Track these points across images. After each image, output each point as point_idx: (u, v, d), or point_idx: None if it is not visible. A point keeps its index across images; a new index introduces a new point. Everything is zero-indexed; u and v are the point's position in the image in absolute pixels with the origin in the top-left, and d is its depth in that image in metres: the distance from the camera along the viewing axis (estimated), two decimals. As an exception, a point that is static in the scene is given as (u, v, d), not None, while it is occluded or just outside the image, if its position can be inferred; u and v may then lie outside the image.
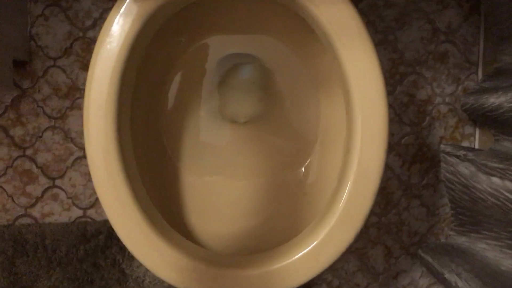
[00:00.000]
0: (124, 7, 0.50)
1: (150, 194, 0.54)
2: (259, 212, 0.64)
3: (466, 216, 0.66)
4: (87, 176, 0.78)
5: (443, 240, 0.77)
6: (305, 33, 0.57)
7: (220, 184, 0.66)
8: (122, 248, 0.77)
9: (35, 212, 0.78)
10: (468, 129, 0.77)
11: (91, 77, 0.50)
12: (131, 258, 0.77)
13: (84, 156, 0.77)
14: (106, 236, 0.77)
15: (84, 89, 0.76)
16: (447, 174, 0.66)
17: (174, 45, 0.63)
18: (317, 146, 0.65)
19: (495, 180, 0.54)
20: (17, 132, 0.77)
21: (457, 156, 0.63)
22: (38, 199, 0.78)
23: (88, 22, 0.75)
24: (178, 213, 0.62)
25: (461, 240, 0.68)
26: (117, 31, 0.50)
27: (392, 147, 0.77)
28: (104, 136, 0.50)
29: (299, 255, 0.52)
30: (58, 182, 0.78)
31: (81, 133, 0.77)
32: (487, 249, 0.62)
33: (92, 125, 0.50)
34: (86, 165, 0.77)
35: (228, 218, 0.63)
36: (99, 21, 0.75)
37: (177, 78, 0.65)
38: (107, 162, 0.50)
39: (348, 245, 0.53)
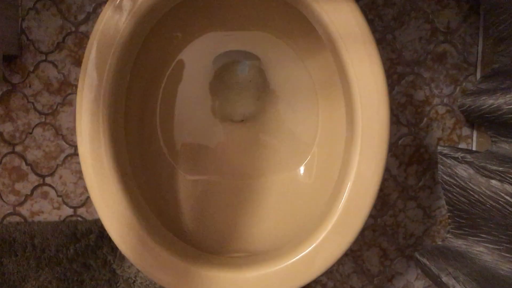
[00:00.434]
0: (119, 1, 0.49)
1: (144, 194, 0.53)
2: (255, 212, 0.63)
3: (464, 219, 0.65)
4: (78, 174, 0.76)
5: (439, 242, 0.76)
6: (305, 31, 0.56)
7: (216, 184, 0.64)
8: (113, 248, 0.75)
9: (24, 210, 0.76)
10: (466, 131, 0.76)
11: (85, 73, 0.49)
12: (122, 258, 0.76)
13: (75, 154, 0.76)
14: (97, 235, 0.75)
15: (76, 85, 0.74)
16: (445, 176, 0.65)
17: (170, 41, 0.61)
18: (315, 147, 0.64)
19: (495, 183, 0.53)
20: (7, 128, 0.75)
21: (455, 158, 0.62)
22: (27, 197, 0.76)
23: (81, 17, 0.74)
24: (173, 213, 0.60)
25: (459, 243, 0.67)
26: (112, 26, 0.48)
27: (389, 148, 0.76)
28: (97, 134, 0.48)
29: (294, 259, 0.51)
30: (48, 179, 0.76)
31: (72, 130, 0.75)
32: (485, 253, 0.61)
33: (85, 122, 0.49)
34: (77, 163, 0.76)
35: (223, 219, 0.62)
36: (92, 15, 0.74)
37: (173, 75, 0.63)
38: (99, 160, 0.49)
39: (344, 251, 0.52)
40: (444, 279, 0.61)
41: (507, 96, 0.56)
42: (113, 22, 0.48)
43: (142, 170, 0.58)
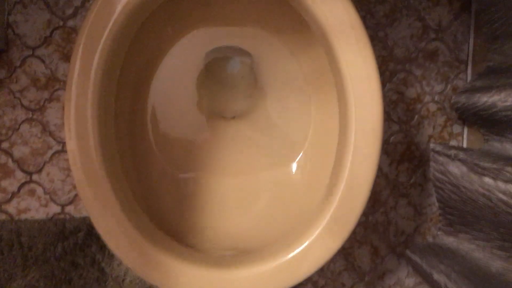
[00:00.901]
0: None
1: (134, 191, 0.52)
2: (246, 210, 0.62)
3: (455, 216, 0.65)
4: (66, 171, 0.75)
5: (430, 240, 0.76)
6: (298, 27, 0.55)
7: (206, 181, 0.63)
8: (102, 247, 0.74)
9: (11, 208, 0.75)
10: (457, 128, 0.77)
11: (73, 67, 0.48)
12: (111, 256, 0.75)
13: (63, 150, 0.74)
14: (85, 233, 0.74)
15: (64, 80, 0.73)
16: (437, 174, 0.66)
17: (160, 36, 0.61)
18: (307, 143, 0.63)
19: (488, 180, 0.53)
20: (-8, 124, 0.73)
21: (448, 156, 0.62)
22: (14, 195, 0.75)
23: (69, 11, 0.72)
24: (163, 211, 0.60)
25: (449, 240, 0.67)
26: (102, 20, 0.47)
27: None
28: (86, 130, 0.47)
29: (286, 258, 0.51)
30: (35, 177, 0.75)
31: (60, 127, 0.74)
32: (476, 250, 0.61)
33: (74, 118, 0.47)
34: (65, 160, 0.75)
35: (215, 216, 0.61)
36: (80, 9, 0.72)
37: (163, 71, 0.62)
38: (88, 157, 0.48)
39: (336, 250, 0.52)
40: (436, 276, 0.61)
41: (502, 93, 0.57)
42: (104, 16, 0.47)
43: (133, 167, 0.57)
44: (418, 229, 0.78)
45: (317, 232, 0.51)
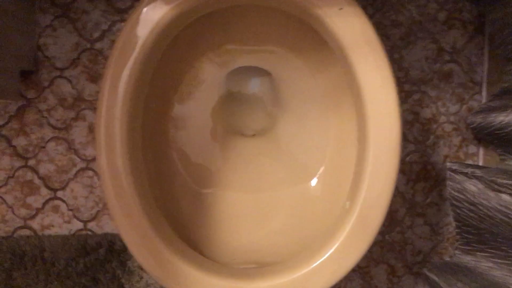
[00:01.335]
0: (140, 17, 0.51)
1: (160, 205, 0.53)
2: (265, 225, 0.64)
3: (472, 234, 0.65)
4: (89, 188, 0.77)
5: (447, 259, 0.76)
6: (317, 46, 0.57)
7: (227, 196, 0.65)
8: (123, 262, 0.76)
9: (35, 224, 0.77)
10: (472, 149, 0.78)
11: (105, 85, 0.50)
12: (131, 272, 0.76)
13: (87, 168, 0.77)
14: (107, 249, 0.76)
15: (90, 100, 0.76)
16: (453, 192, 0.66)
17: (184, 57, 0.63)
18: (326, 160, 0.65)
19: (505, 197, 0.53)
20: (20, 142, 0.76)
21: (465, 174, 0.63)
22: (38, 211, 0.77)
23: (96, 34, 0.76)
24: (186, 225, 0.61)
25: (467, 259, 0.67)
26: (133, 39, 0.50)
27: (397, 165, 0.77)
28: (115, 146, 0.49)
29: (304, 271, 0.51)
30: (59, 193, 0.77)
31: (85, 145, 0.76)
32: (494, 268, 0.61)
33: (103, 134, 0.50)
34: (89, 177, 0.77)
35: (235, 231, 0.63)
36: (107, 33, 0.76)
37: (186, 90, 0.65)
38: (117, 172, 0.50)
39: (352, 266, 0.53)
40: (454, 294, 0.61)
41: (518, 112, 0.58)
42: (134, 36, 0.50)
43: (158, 181, 0.59)
44: (435, 249, 0.78)
45: (335, 246, 0.52)
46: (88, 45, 0.76)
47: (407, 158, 0.77)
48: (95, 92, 0.76)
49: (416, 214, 0.78)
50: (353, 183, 0.55)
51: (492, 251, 0.62)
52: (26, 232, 0.77)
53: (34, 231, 0.77)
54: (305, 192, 0.65)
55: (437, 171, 0.78)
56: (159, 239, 0.50)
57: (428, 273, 0.69)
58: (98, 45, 0.76)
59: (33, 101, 0.76)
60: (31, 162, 0.76)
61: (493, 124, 0.62)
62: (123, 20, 0.76)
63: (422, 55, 0.77)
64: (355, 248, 0.53)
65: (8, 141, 0.76)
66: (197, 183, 0.65)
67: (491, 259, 0.63)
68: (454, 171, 0.66)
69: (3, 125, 0.76)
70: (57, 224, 0.77)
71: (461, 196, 0.64)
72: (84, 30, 0.76)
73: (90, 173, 0.77)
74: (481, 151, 0.77)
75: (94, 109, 0.76)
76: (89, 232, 0.77)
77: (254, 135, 0.67)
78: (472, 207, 0.61)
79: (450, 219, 0.77)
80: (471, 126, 0.72)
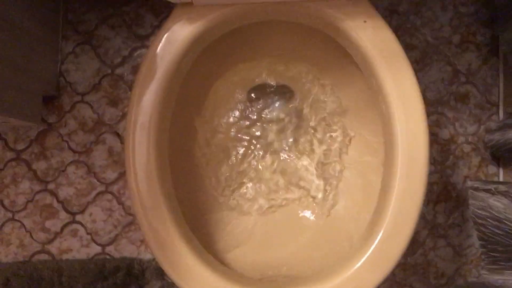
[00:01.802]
0: (165, 36, 0.52)
1: (189, 221, 0.53)
2: (293, 241, 0.63)
3: (499, 252, 0.64)
4: (108, 211, 0.77)
5: (473, 279, 0.75)
6: (341, 63, 0.58)
7: (252, 214, 0.65)
8: (141, 287, 0.75)
9: (53, 248, 0.76)
10: (492, 169, 0.77)
11: (134, 102, 0.51)
12: (149, 298, 0.75)
13: (106, 191, 0.77)
14: (125, 273, 0.75)
15: (110, 124, 0.77)
16: (477, 211, 0.66)
17: (208, 73, 0.64)
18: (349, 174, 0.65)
19: (532, 209, 0.53)
20: (40, 166, 0.77)
21: (487, 191, 0.63)
22: (57, 235, 0.76)
23: (117, 60, 0.77)
24: (214, 240, 0.61)
25: (494, 278, 0.66)
26: (159, 58, 0.51)
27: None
28: (147, 161, 0.50)
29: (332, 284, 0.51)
30: (78, 217, 0.77)
31: (104, 168, 0.77)
32: (523, 286, 0.60)
33: (137, 154, 0.50)
34: (108, 200, 0.77)
35: (263, 247, 0.62)
36: (128, 59, 0.77)
37: (210, 103, 0.66)
38: (150, 189, 0.50)
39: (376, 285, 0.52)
40: (483, 314, 0.59)
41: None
42: (162, 52, 0.51)
43: (187, 198, 0.59)
44: (459, 271, 0.77)
45: (359, 264, 0.51)
46: (109, 71, 0.77)
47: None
48: (116, 116, 0.77)
49: (438, 236, 0.77)
50: (380, 200, 0.54)
51: (520, 268, 0.61)
52: (44, 256, 0.77)
53: (52, 256, 0.77)
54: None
55: (457, 191, 0.77)
56: (191, 253, 0.49)
57: (454, 294, 0.68)
58: (118, 71, 0.78)
59: (54, 125, 0.77)
60: (51, 186, 0.77)
61: (511, 140, 0.62)
62: (143, 46, 0.78)
63: (438, 77, 0.78)
64: (379, 267, 0.52)
65: (28, 165, 0.76)
66: (224, 198, 0.65)
67: (519, 276, 0.61)
68: (476, 189, 0.66)
69: (24, 150, 0.76)
70: (75, 248, 0.77)
71: (485, 213, 0.63)
72: (106, 56, 0.78)
73: (109, 196, 0.77)
74: (501, 172, 0.77)
75: (114, 133, 0.77)
76: (107, 256, 0.77)
77: (281, 150, 0.68)
78: (497, 223, 0.61)
79: (473, 240, 0.76)
80: (489, 144, 0.72)
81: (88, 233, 0.77)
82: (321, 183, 0.66)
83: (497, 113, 0.78)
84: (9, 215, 0.76)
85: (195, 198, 0.63)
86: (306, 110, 0.67)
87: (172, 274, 0.49)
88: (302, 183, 0.67)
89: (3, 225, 0.76)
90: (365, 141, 0.63)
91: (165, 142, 0.53)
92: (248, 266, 0.58)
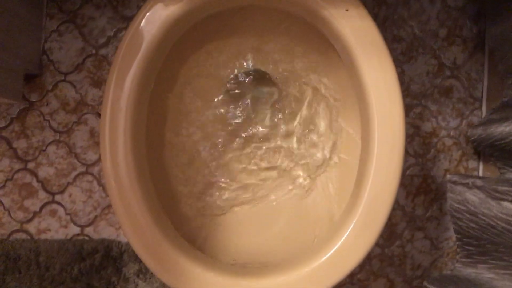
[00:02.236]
0: (146, 15, 0.51)
1: (163, 206, 0.53)
2: (268, 228, 0.63)
3: (473, 246, 0.65)
4: (88, 192, 0.76)
5: (448, 272, 0.76)
6: (322, 48, 0.58)
7: (227, 199, 0.65)
8: (118, 269, 0.75)
9: (31, 227, 0.76)
10: (472, 163, 0.78)
11: (110, 83, 0.50)
12: (126, 280, 0.75)
13: (87, 172, 0.76)
14: (102, 255, 0.75)
15: (92, 105, 0.76)
16: (454, 204, 0.66)
17: (189, 56, 0.64)
18: (332, 162, 0.65)
19: (506, 204, 0.53)
20: (21, 144, 0.76)
21: (465, 184, 0.63)
22: (35, 214, 0.76)
23: (102, 40, 0.77)
24: (188, 225, 0.61)
25: (468, 272, 0.67)
26: (139, 37, 0.51)
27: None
28: (120, 140, 0.49)
29: (306, 269, 0.51)
30: (57, 197, 0.76)
31: (85, 149, 0.76)
32: (495, 279, 0.61)
33: (110, 128, 0.50)
34: (88, 181, 0.76)
35: (237, 233, 0.62)
36: (112, 39, 0.77)
37: (190, 90, 0.66)
38: (122, 169, 0.50)
39: (350, 270, 0.52)
40: (454, 306, 0.60)
41: (518, 122, 0.58)
42: (141, 33, 0.51)
43: (163, 186, 0.59)
44: (435, 263, 0.78)
45: (343, 238, 0.52)
46: (93, 51, 0.77)
47: (408, 172, 0.77)
48: (98, 97, 0.76)
49: (416, 228, 0.78)
50: (356, 183, 0.55)
51: (493, 262, 0.62)
52: (22, 235, 0.76)
53: (30, 235, 0.76)
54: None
55: (437, 185, 0.78)
56: (164, 239, 0.49)
57: (428, 285, 0.68)
58: (103, 51, 0.77)
59: (35, 104, 0.76)
60: (31, 165, 0.76)
61: (493, 135, 0.63)
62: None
63: (423, 70, 0.78)
64: (357, 248, 0.52)
65: (9, 143, 0.76)
66: (200, 186, 0.65)
67: (492, 269, 0.62)
68: (454, 182, 0.67)
69: (4, 127, 0.76)
70: (54, 228, 0.76)
71: (462, 207, 0.64)
72: (90, 36, 0.76)
73: (90, 177, 0.76)
74: (481, 166, 0.77)
75: (96, 113, 0.76)
76: (86, 237, 0.76)
77: (259, 139, 0.67)
78: (473, 218, 0.61)
79: (450, 233, 0.77)
80: (472, 138, 0.73)
81: (67, 214, 0.76)
82: (298, 168, 0.66)
83: (480, 108, 0.78)
84: (-12, 193, 0.76)
85: (173, 185, 0.63)
86: (285, 92, 0.67)
87: (146, 258, 0.49)
88: (279, 166, 0.67)
89: (-19, 202, 0.76)
90: (347, 127, 0.63)
91: (142, 122, 0.53)
92: (221, 252, 0.58)
